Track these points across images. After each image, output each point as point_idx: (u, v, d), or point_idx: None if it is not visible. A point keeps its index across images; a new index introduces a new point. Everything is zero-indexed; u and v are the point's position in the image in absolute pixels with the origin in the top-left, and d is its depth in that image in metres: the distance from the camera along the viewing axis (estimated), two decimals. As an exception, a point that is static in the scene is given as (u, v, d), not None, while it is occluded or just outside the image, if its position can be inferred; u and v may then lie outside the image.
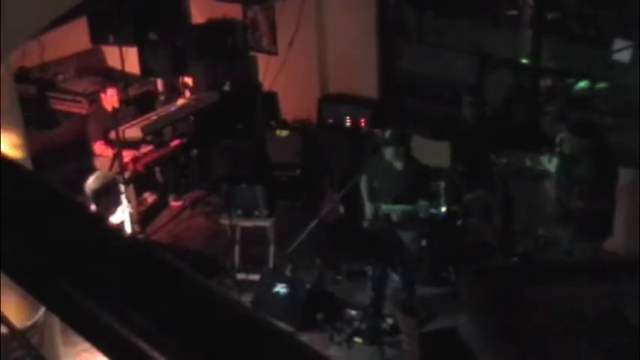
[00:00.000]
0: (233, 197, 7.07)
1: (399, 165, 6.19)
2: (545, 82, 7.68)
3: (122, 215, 5.60)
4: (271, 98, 8.88)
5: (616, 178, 5.85)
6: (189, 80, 8.71)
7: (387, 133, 6.25)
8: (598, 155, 5.74)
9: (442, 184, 6.56)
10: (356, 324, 6.31)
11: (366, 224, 6.41)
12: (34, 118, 7.62)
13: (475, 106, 6.89)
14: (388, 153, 6.19)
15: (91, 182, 5.35)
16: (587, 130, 5.89)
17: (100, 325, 0.93)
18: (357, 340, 6.21)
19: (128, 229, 5.57)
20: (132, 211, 6.25)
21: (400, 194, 6.16)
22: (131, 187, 7.35)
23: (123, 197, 5.55)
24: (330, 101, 8.51)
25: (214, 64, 8.68)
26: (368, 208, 6.35)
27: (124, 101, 7.85)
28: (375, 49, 8.35)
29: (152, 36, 6.65)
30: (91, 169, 6.91)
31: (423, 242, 6.58)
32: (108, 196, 5.37)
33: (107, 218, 5.30)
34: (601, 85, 7.31)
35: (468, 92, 7.15)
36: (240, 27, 8.82)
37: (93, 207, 5.27)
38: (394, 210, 6.20)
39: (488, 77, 7.91)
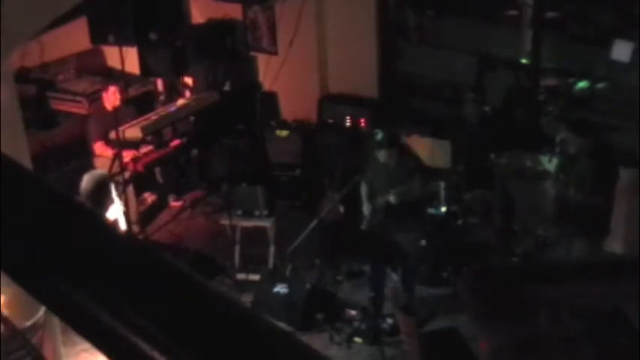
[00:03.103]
0: (233, 197, 7.08)
1: (393, 163, 6.20)
2: (545, 82, 7.68)
3: (115, 213, 5.60)
4: (271, 98, 8.88)
5: (615, 176, 5.86)
6: (189, 80, 8.71)
7: (379, 136, 6.24)
8: (597, 154, 5.75)
9: (442, 184, 6.57)
10: (356, 324, 6.31)
11: (365, 225, 6.41)
12: (34, 118, 7.62)
13: (477, 104, 6.91)
14: (382, 155, 6.19)
15: (85, 183, 5.37)
16: (587, 129, 5.90)
17: (100, 325, 0.93)
18: (357, 340, 6.21)
19: (122, 226, 5.57)
20: (125, 208, 6.24)
21: (392, 183, 6.19)
22: (131, 187, 7.36)
23: (114, 195, 5.56)
24: (330, 101, 8.51)
25: (214, 64, 8.68)
26: (366, 207, 6.35)
27: (124, 101, 7.86)
28: (375, 49, 8.35)
29: (152, 36, 6.64)
30: (91, 169, 6.91)
31: (423, 242, 6.59)
32: (100, 195, 5.38)
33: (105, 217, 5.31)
34: (601, 85, 7.31)
35: (470, 90, 7.16)
36: (240, 27, 8.82)
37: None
38: (391, 194, 6.14)
39: (488, 77, 7.91)
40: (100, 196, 5.34)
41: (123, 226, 5.61)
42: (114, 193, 5.56)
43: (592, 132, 5.88)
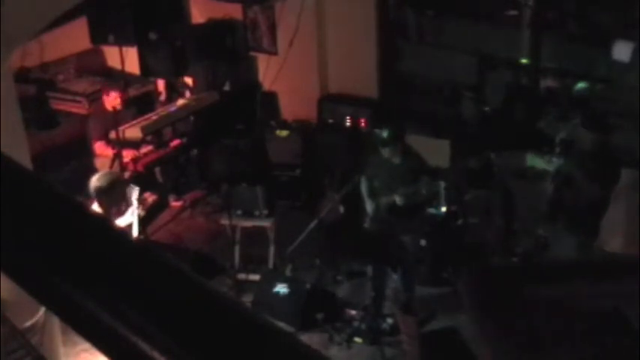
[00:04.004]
0: (233, 197, 7.07)
1: (397, 160, 6.24)
2: (545, 82, 7.68)
3: (131, 217, 5.54)
4: (271, 98, 8.88)
5: (617, 177, 5.85)
6: (189, 80, 8.71)
7: (384, 133, 6.28)
8: (604, 152, 5.74)
9: (442, 184, 6.57)
10: (356, 324, 6.31)
11: (367, 223, 6.41)
12: (34, 118, 7.62)
13: (474, 102, 6.92)
14: (386, 152, 6.23)
15: (95, 179, 5.34)
16: (598, 126, 5.88)
17: (100, 325, 0.93)
18: (357, 340, 6.21)
19: (135, 231, 5.51)
20: (143, 213, 6.20)
21: (398, 183, 6.22)
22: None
23: (134, 199, 5.49)
24: (330, 101, 8.52)
25: (214, 64, 8.68)
26: (369, 205, 6.36)
27: (124, 101, 7.86)
28: (375, 49, 8.35)
29: (152, 36, 6.64)
30: (92, 169, 6.91)
31: (423, 242, 6.59)
32: (111, 195, 5.35)
33: (109, 217, 5.28)
34: (601, 85, 7.31)
35: (467, 89, 7.17)
36: (240, 27, 8.82)
37: (95, 205, 5.26)
38: (398, 195, 6.19)
39: (488, 77, 7.91)
40: (108, 195, 5.31)
41: (135, 230, 5.54)
42: (134, 196, 5.49)
43: (603, 128, 5.86)
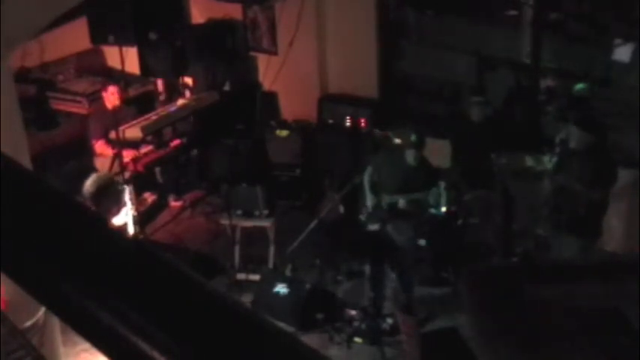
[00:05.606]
0: (233, 197, 7.07)
1: (413, 163, 6.39)
2: (545, 82, 7.68)
3: (125, 217, 5.56)
4: (271, 98, 8.88)
5: (613, 179, 5.83)
6: (189, 80, 8.70)
7: (412, 136, 6.40)
8: (598, 153, 5.74)
9: (442, 184, 6.58)
10: (356, 324, 6.31)
11: (364, 216, 6.45)
12: (34, 118, 7.62)
13: (482, 106, 6.94)
14: (410, 155, 6.36)
15: (88, 185, 5.34)
16: (592, 126, 5.88)
17: (100, 325, 0.93)
18: (357, 340, 6.21)
19: (131, 230, 5.52)
20: (135, 213, 6.22)
21: (408, 186, 6.29)
22: (131, 187, 7.36)
23: (127, 198, 5.51)
24: (330, 101, 8.52)
25: (214, 64, 8.67)
26: (369, 200, 6.41)
27: (125, 101, 7.85)
28: (375, 49, 8.35)
29: (152, 36, 6.64)
30: (92, 169, 6.91)
31: (423, 242, 6.59)
32: (106, 198, 5.35)
33: (108, 219, 5.29)
34: (601, 86, 7.30)
35: (474, 92, 7.17)
36: (240, 27, 8.82)
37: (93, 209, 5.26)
38: (403, 198, 6.27)
39: (489, 77, 7.91)
40: (104, 198, 5.31)
41: (131, 229, 5.55)
42: (126, 197, 5.51)
43: (597, 129, 5.87)
